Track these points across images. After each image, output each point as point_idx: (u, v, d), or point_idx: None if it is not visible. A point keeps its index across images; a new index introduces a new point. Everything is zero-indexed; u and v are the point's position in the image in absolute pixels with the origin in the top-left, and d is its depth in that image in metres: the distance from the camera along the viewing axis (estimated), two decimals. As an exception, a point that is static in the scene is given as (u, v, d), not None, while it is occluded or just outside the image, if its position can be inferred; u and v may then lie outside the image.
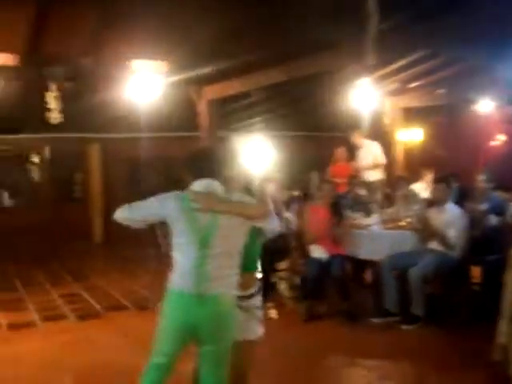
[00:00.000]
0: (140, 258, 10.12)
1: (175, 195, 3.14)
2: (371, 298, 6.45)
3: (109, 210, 12.19)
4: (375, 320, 5.93)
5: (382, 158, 9.80)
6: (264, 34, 6.17)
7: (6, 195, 13.12)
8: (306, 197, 7.29)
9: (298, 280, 6.75)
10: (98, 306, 7.23)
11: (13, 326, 6.47)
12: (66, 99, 7.02)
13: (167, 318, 3.07)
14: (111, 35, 6.22)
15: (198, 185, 3.12)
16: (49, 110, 6.73)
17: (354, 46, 5.26)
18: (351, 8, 5.00)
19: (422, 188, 8.54)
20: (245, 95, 9.52)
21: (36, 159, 13.31)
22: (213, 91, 7.98)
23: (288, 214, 6.86)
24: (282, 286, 7.23)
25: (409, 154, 11.76)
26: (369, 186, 8.60)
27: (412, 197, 7.25)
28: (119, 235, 12.68)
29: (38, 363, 5.22)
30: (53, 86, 6.70)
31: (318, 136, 14.58)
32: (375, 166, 9.68)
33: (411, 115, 11.58)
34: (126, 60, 6.91)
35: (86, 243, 12.84)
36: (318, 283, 6.25)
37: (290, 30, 5.79)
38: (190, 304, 2.99)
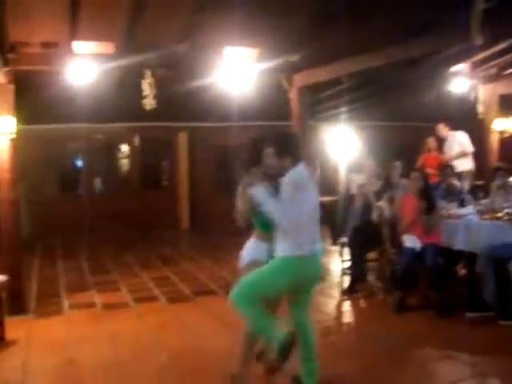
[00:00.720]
0: (226, 243, 10.25)
1: (308, 176, 3.74)
2: (465, 290, 6.22)
3: (195, 197, 12.41)
4: (470, 314, 5.68)
5: (469, 147, 9.59)
6: (360, 17, 6.02)
7: (98, 182, 13.63)
8: (388, 186, 7.16)
9: (389, 270, 6.61)
10: (187, 290, 7.39)
11: (107, 306, 6.73)
12: (158, 86, 7.12)
13: (287, 275, 3.73)
14: (206, 22, 6.25)
15: (302, 167, 3.73)
16: (144, 97, 6.86)
17: (458, 26, 5.03)
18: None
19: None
20: (333, 83, 9.37)
21: (126, 148, 13.73)
22: (303, 78, 7.85)
23: (381, 203, 6.72)
24: (373, 276, 7.12)
25: (505, 143, 11.22)
26: (459, 176, 8.39)
27: (509, 188, 6.94)
28: (205, 222, 13.03)
29: (134, 343, 5.39)
30: (148, 73, 6.82)
31: (403, 126, 14.25)
32: (463, 155, 9.55)
33: (509, 103, 11.02)
34: (219, 47, 6.96)
35: (173, 229, 13.16)
36: (410, 273, 6.08)
37: (390, 11, 5.62)
38: (308, 262, 3.77)
